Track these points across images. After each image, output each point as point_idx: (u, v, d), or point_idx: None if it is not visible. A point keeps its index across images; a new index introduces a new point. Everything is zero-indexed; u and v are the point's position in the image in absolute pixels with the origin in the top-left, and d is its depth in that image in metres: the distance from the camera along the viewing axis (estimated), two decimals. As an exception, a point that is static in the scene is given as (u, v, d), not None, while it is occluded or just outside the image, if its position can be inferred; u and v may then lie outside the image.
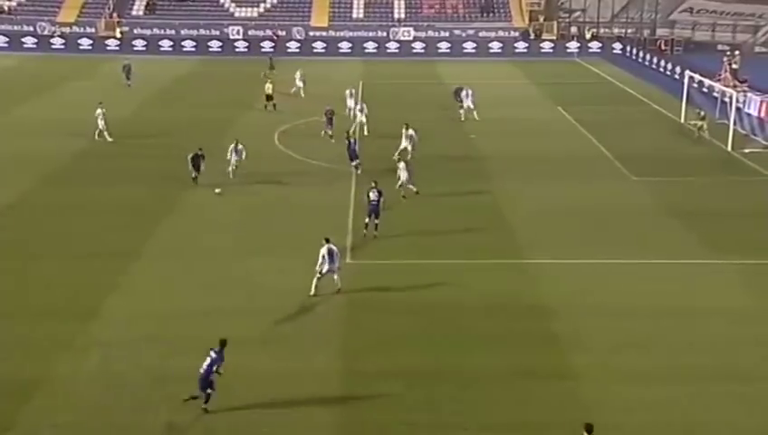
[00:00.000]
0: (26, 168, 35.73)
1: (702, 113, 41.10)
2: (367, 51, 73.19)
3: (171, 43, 73.80)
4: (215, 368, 17.73)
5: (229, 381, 18.78)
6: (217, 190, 32.14)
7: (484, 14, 77.86)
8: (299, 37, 75.19)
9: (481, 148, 38.90)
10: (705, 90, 49.29)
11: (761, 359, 20.01)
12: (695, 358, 19.96)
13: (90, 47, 72.92)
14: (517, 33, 75.97)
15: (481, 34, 75.56)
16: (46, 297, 23.24)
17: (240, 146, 33.93)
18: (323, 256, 22.99)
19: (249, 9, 78.09)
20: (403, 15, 77.85)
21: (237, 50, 73.61)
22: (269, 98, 47.45)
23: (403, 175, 30.73)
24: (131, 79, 53.82)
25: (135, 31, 75.23)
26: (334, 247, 23.22)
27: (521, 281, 24.45)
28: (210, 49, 73.40)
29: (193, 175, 32.96)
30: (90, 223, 29.14)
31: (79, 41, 73.47)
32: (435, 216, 30.00)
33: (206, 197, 32.16)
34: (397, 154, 35.08)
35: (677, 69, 57.27)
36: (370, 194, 27.71)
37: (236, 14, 77.87)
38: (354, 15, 77.90)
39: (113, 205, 30.99)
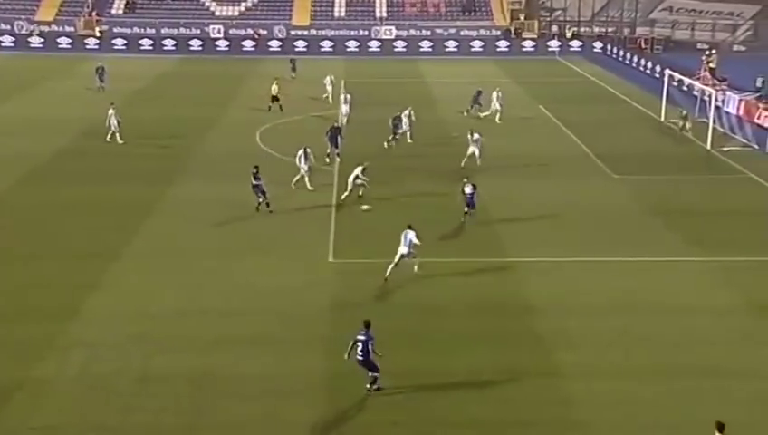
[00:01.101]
0: (5, 167, 35.43)
1: (684, 112, 41.38)
2: (349, 50, 73.15)
3: (152, 43, 73.40)
4: (371, 348, 17.95)
5: (213, 382, 18.75)
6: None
7: (466, 13, 78.04)
8: (280, 36, 75.03)
9: (463, 146, 38.90)
10: (684, 88, 49.65)
11: (744, 355, 20.18)
12: (679, 355, 20.09)
13: (69, 46, 72.41)
14: (498, 32, 76.21)
15: (462, 33, 75.73)
16: (26, 298, 23.03)
17: (309, 150, 32.05)
18: (402, 238, 23.74)
19: (230, 8, 77.83)
20: (385, 14, 77.87)
21: (218, 49, 73.34)
22: (274, 99, 46.53)
23: (467, 188, 28.86)
24: (105, 81, 53.02)
25: (115, 30, 74.76)
26: (411, 232, 23.81)
27: (505, 280, 24.51)
28: (191, 48, 73.07)
29: (259, 201, 29.62)
30: (71, 223, 28.95)
31: (57, 40, 72.95)
32: (418, 215, 29.96)
33: (187, 196, 32.04)
34: (465, 160, 34.67)
35: (657, 67, 57.70)
36: (465, 188, 28.60)
37: (217, 13, 77.59)
38: (336, 14, 77.83)
39: (94, 204, 30.78)
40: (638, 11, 78.72)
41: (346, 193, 30.82)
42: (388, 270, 23.83)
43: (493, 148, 36.98)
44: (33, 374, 19.03)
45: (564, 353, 20.11)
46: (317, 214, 29.66)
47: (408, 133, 39.51)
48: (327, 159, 36.01)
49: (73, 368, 19.35)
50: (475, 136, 35.11)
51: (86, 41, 72.79)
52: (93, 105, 47.69)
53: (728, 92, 46.50)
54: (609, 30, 78.03)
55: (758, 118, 43.48)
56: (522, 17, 77.92)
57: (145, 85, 55.76)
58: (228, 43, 73.86)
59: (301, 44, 73.87)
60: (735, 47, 73.64)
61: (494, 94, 45.15)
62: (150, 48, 72.85)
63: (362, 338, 18.09)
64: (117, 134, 39.35)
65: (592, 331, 21.28)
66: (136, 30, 74.68)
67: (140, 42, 73.38)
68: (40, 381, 18.77)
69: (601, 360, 19.87)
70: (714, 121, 40.46)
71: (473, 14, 78.20)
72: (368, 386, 18.31)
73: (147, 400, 18.03)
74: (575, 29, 77.89)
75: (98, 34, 73.61)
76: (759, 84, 47.20)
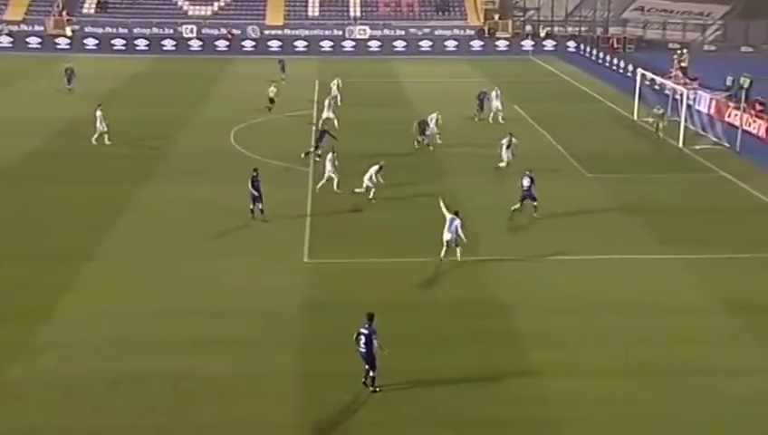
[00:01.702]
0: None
1: (661, 110, 41.64)
2: (323, 49, 73.10)
3: (124, 42, 72.90)
4: (375, 343, 17.87)
5: (188, 383, 18.66)
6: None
7: (440, 13, 78.30)
8: (254, 36, 74.81)
9: (438, 145, 39.04)
10: (657, 87, 50.16)
11: (715, 352, 20.40)
12: (655, 353, 20.24)
13: (39, 46, 71.73)
14: (472, 32, 76.54)
15: (437, 33, 75.96)
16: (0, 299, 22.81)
17: (382, 162, 31.18)
18: (447, 224, 24.67)
19: (203, 7, 77.52)
20: (359, 14, 77.91)
21: (191, 49, 73.00)
22: (272, 101, 46.44)
23: (525, 181, 29.02)
24: (73, 83, 52.28)
25: (86, 29, 74.18)
26: (456, 218, 24.69)
27: (480, 279, 24.60)
28: (164, 48, 72.65)
29: (252, 206, 28.69)
30: (44, 223, 28.66)
31: (27, 39, 72.18)
32: (392, 214, 30.07)
33: (160, 196, 31.86)
34: (505, 164, 34.39)
35: (630, 67, 58.22)
36: (523, 181, 29.02)
37: (190, 13, 77.25)
38: (310, 14, 77.76)
39: (67, 205, 30.52)
40: (610, 11, 79.42)
41: (361, 189, 30.84)
42: (442, 253, 24.90)
43: (468, 146, 37.14)
44: (6, 377, 18.82)
45: (541, 352, 20.22)
46: (292, 214, 29.60)
47: (436, 136, 38.68)
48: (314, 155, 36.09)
49: (47, 369, 19.16)
50: (514, 140, 34.62)
51: (56, 40, 72.13)
52: (65, 106, 47.32)
53: (699, 91, 47.01)
54: (583, 29, 78.65)
55: (728, 116, 44.02)
56: (495, 17, 78.39)
57: (118, 85, 55.32)
58: (201, 42, 73.55)
59: (275, 44, 73.71)
60: (706, 47, 74.53)
61: (494, 93, 44.89)
62: (123, 48, 72.34)
63: (365, 332, 18.05)
64: (105, 135, 38.81)
65: (569, 329, 21.41)
66: (108, 30, 74.14)
67: (113, 42, 72.85)
68: (13, 384, 18.56)
69: (578, 358, 19.99)
70: (685, 120, 40.91)
71: (447, 13, 78.48)
72: (363, 380, 18.29)
73: (121, 401, 17.91)
74: (549, 29, 78.44)
75: (69, 34, 72.94)
76: (729, 83, 47.76)
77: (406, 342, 20.43)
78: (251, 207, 28.72)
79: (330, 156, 31.89)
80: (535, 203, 29.27)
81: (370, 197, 30.86)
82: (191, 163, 36.47)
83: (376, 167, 30.91)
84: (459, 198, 30.53)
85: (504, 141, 34.69)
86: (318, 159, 35.70)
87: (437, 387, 18.65)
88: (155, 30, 74.48)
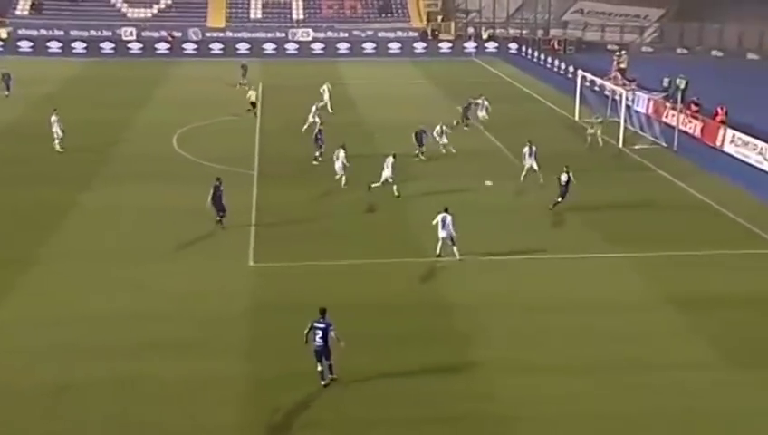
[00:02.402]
0: None
1: (600, 119, 42.22)
2: (266, 52, 72.87)
3: (60, 45, 71.69)
4: (333, 334, 18.14)
5: (137, 388, 18.55)
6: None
7: (383, 15, 78.63)
8: (195, 38, 74.19)
9: (381, 147, 39.25)
10: (596, 88, 51.19)
11: (655, 349, 20.92)
12: (599, 350, 20.69)
13: (-30, 48, 70.07)
14: (416, 34, 77.07)
15: (380, 35, 76.34)
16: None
17: (394, 153, 32.05)
18: (438, 223, 25.41)
19: (142, 10, 76.53)
20: (302, 16, 77.82)
21: (131, 51, 72.07)
22: (254, 105, 46.01)
23: (563, 177, 30.04)
24: (11, 89, 51.10)
25: (20, 31, 72.66)
26: (448, 215, 25.37)
27: (424, 279, 24.91)
28: (102, 51, 71.62)
29: (218, 217, 28.18)
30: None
31: (-43, 42, 70.51)
32: (337, 217, 30.18)
33: (103, 200, 31.49)
34: (523, 175, 34.11)
35: (570, 68, 59.32)
36: (561, 176, 30.05)
37: (129, 15, 76.22)
38: (252, 16, 77.38)
39: (6, 210, 30.03)
40: (550, 13, 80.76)
41: (377, 184, 31.74)
42: (438, 249, 25.61)
43: (411, 147, 37.38)
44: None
45: (483, 350, 20.57)
46: (237, 218, 29.50)
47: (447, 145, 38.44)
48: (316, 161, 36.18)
49: (-12, 379, 18.86)
50: (534, 148, 34.49)
51: (-10, 43, 70.54)
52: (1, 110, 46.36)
53: (638, 92, 48.11)
54: (524, 32, 79.83)
55: (666, 117, 45.19)
56: (438, 19, 79.06)
57: (54, 89, 54.34)
58: (141, 45, 72.68)
59: (216, 47, 73.23)
60: (643, 48, 76.28)
61: (481, 101, 44.61)
62: (59, 50, 71.12)
63: (321, 325, 18.26)
64: (56, 141, 37.79)
65: (513, 327, 21.81)
66: (43, 32, 72.74)
67: (48, 44, 71.53)
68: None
69: (522, 355, 20.37)
70: (625, 121, 41.84)
71: (390, 15, 78.86)
72: (321, 379, 18.51)
73: (67, 408, 17.78)
74: (491, 30, 79.41)
75: (4, 36, 71.40)
76: (666, 84, 48.98)
77: (355, 342, 20.55)
78: (217, 218, 28.18)
79: (340, 154, 32.70)
80: (559, 199, 30.24)
81: (395, 192, 31.71)
82: (134, 166, 36.10)
83: (391, 159, 31.80)
84: (403, 199, 30.76)
85: (526, 150, 34.43)
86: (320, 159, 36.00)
87: (382, 387, 18.86)
88: (93, 32, 73.32)
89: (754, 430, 17.74)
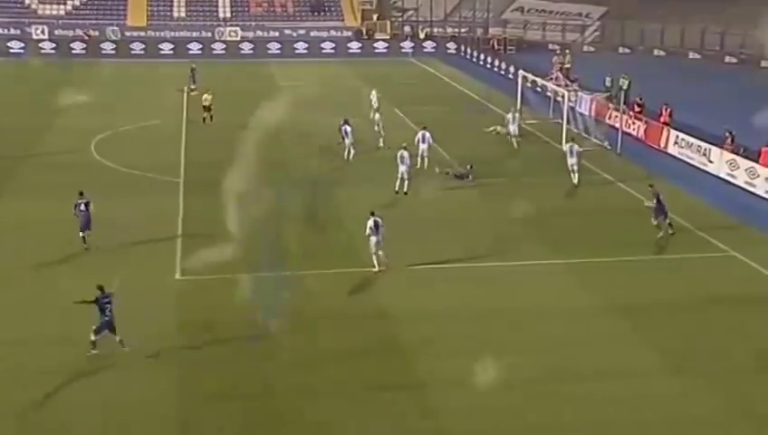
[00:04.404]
0: None
1: (509, 117, 42.49)
2: (191, 52, 72.12)
3: (-38, 44, 69.81)
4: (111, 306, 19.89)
5: (65, 413, 18.08)
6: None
7: (315, 14, 78.58)
8: (114, 38, 73.02)
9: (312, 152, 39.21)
10: (538, 89, 51.92)
11: (596, 358, 21.15)
12: (542, 359, 20.87)
13: None
14: (350, 33, 77.20)
15: (312, 34, 76.26)
16: None
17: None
18: (370, 228, 25.30)
19: (55, 7, 75.09)
20: (229, 14, 77.28)
21: (43, 51, 70.51)
22: (207, 109, 44.77)
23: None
24: None
25: None
26: (379, 219, 25.39)
27: (361, 290, 24.87)
28: (11, 50, 69.94)
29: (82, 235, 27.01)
30: None
31: None
32: (267, 227, 29.91)
33: (13, 212, 30.70)
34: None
35: (511, 68, 60.09)
36: (653, 200, 29.62)
37: (40, 12, 74.66)
38: (175, 14, 76.55)
39: None
40: (489, 11, 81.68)
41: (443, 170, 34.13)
42: (375, 262, 25.49)
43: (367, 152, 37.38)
44: None
45: (423, 362, 20.60)
46: (162, 229, 29.04)
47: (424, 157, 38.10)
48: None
49: None
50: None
51: None
52: None
53: (580, 93, 48.92)
54: (462, 30, 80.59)
55: (609, 118, 46.01)
56: (374, 18, 79.32)
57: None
58: (55, 45, 71.20)
59: (137, 47, 72.24)
60: (585, 47, 77.75)
61: (511, 115, 43.19)
62: (-40, 51, 69.27)
63: (103, 300, 20.15)
64: None
65: (452, 339, 21.85)
66: (-57, 30, 70.82)
67: (-52, 43, 69.66)
68: None
69: (463, 368, 20.30)
70: (568, 122, 42.47)
71: (322, 14, 78.85)
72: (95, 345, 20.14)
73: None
74: (428, 30, 80.00)
75: None
76: (608, 84, 49.90)
77: (288, 358, 20.47)
78: (81, 234, 27.07)
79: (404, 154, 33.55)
80: (669, 222, 29.48)
81: (446, 171, 34.56)
82: (48, 176, 35.28)
83: (404, 151, 33.34)
84: (337, 207, 30.67)
85: (419, 135, 36.76)
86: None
87: (321, 405, 18.73)
88: (0, 30, 71.55)
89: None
